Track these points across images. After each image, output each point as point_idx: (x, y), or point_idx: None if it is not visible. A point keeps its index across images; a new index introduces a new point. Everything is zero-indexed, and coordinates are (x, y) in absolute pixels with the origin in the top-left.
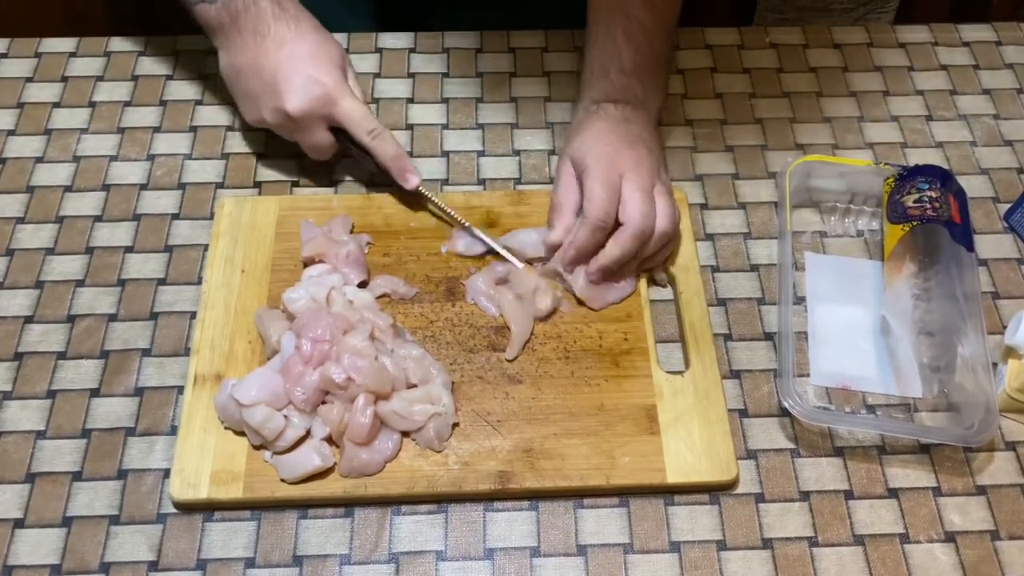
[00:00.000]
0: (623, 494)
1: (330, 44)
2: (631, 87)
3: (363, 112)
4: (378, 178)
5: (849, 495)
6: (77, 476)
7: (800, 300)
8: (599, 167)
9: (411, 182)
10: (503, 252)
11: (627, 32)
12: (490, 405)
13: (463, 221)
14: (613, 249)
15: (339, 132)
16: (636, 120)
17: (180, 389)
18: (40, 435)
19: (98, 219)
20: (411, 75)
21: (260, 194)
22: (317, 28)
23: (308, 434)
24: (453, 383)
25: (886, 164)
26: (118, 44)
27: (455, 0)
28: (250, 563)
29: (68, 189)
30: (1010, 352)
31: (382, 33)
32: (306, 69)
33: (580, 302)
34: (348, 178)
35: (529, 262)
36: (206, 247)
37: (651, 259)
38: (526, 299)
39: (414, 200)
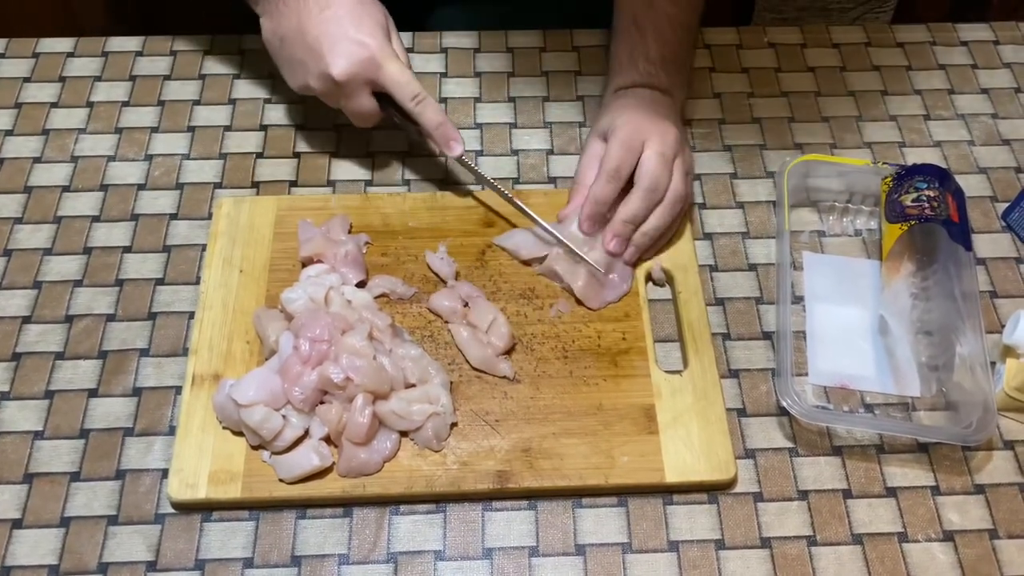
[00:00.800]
0: (622, 493)
1: (373, 5)
2: (657, 75)
3: (407, 77)
4: (418, 148)
5: (847, 494)
6: (75, 476)
7: (798, 299)
8: (624, 130)
9: (455, 150)
10: (550, 229)
11: (654, 24)
12: (488, 405)
13: (505, 192)
14: (624, 208)
15: (382, 97)
16: (663, 102)
17: (178, 389)
18: (38, 435)
19: (96, 219)
20: None
21: (258, 194)
22: None
23: (306, 434)
24: (451, 383)
25: (884, 163)
26: (116, 44)
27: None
28: (248, 563)
29: (66, 189)
30: (1008, 351)
31: None
32: (349, 32)
33: (579, 302)
34: (346, 178)
35: (527, 263)
36: (204, 247)
37: (660, 238)
38: (479, 334)
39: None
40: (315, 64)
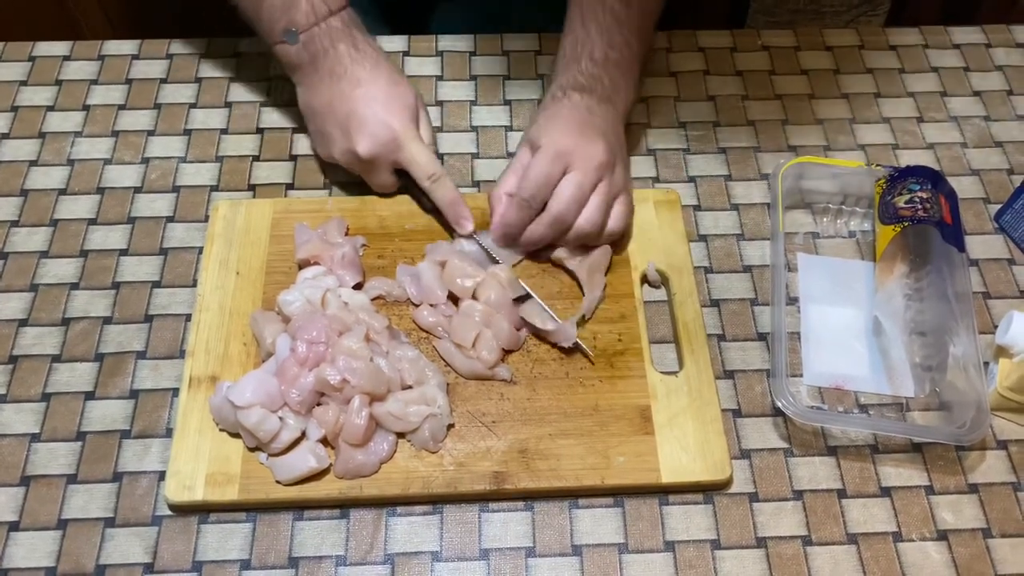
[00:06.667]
0: (618, 494)
1: (403, 87)
2: (599, 78)
3: (426, 158)
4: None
5: (842, 494)
6: (72, 479)
7: (793, 301)
8: (548, 150)
9: (465, 228)
10: (539, 302)
11: (600, 23)
12: (485, 406)
13: (523, 287)
14: (529, 231)
15: (403, 171)
16: (600, 113)
17: (175, 391)
18: (35, 438)
19: (92, 222)
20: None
21: (255, 197)
22: (392, 71)
23: (303, 436)
24: (448, 384)
25: (878, 165)
26: (112, 48)
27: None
28: (246, 565)
29: (62, 192)
30: (1001, 351)
31: (377, 36)
32: (377, 113)
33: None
34: (343, 180)
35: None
36: (201, 250)
37: (589, 247)
38: (466, 350)
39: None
40: (343, 140)
